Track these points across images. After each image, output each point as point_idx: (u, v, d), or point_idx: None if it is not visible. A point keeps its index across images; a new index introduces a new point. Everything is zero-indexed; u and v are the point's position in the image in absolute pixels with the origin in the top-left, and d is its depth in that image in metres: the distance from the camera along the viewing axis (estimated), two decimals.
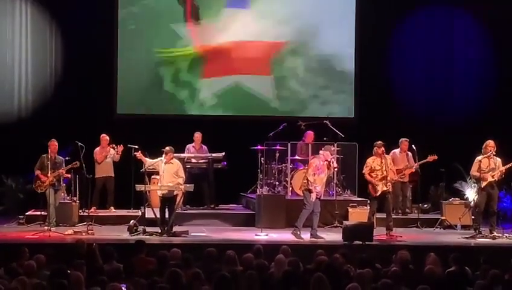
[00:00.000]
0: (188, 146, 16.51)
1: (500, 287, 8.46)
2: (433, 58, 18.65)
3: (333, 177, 16.22)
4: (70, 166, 14.61)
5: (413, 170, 16.04)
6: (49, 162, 14.33)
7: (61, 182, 15.08)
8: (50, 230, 13.80)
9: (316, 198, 13.78)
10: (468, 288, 8.44)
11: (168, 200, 14.19)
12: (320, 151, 14.21)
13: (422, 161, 15.81)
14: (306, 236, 13.76)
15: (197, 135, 16.56)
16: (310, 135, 16.55)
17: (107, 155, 16.20)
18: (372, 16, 18.25)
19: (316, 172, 13.79)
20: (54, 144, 14.60)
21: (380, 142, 14.12)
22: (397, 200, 16.04)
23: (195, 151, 16.51)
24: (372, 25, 18.24)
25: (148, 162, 14.39)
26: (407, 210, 16.29)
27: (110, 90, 17.87)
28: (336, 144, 16.15)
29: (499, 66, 18.37)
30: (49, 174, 14.34)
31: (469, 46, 18.66)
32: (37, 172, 14.67)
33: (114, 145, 15.98)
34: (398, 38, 18.52)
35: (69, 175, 15.23)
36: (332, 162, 13.98)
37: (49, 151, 14.46)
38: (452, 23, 18.69)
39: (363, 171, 14.18)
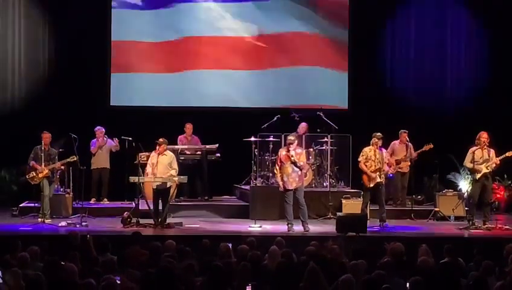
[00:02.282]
0: (179, 137, 16.51)
1: (493, 278, 8.48)
2: (426, 49, 18.66)
3: (327, 169, 16.25)
4: (68, 160, 14.50)
5: (409, 162, 16.11)
6: (42, 154, 14.27)
7: (56, 174, 15.03)
8: (44, 222, 13.82)
9: (295, 189, 13.69)
10: (462, 279, 8.45)
11: (161, 192, 14.16)
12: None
13: (419, 151, 15.94)
14: (299, 228, 13.73)
15: (188, 126, 16.60)
16: (303, 127, 16.52)
17: (101, 145, 16.21)
18: (365, 6, 18.24)
19: (279, 164, 13.77)
20: (46, 136, 14.49)
21: (379, 134, 14.11)
22: (396, 191, 16.12)
23: (187, 141, 16.51)
24: (365, 16, 18.24)
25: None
26: (398, 201, 16.34)
27: (104, 82, 17.85)
28: (329, 136, 16.21)
29: (492, 56, 18.38)
30: (43, 166, 14.28)
31: (462, 36, 18.66)
32: (32, 163, 14.53)
33: (106, 136, 16.07)
34: (391, 29, 18.54)
35: (62, 167, 15.23)
36: (289, 151, 13.74)
37: (42, 143, 14.40)
38: (445, 13, 18.67)
39: (359, 160, 14.16)
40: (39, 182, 14.38)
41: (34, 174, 14.41)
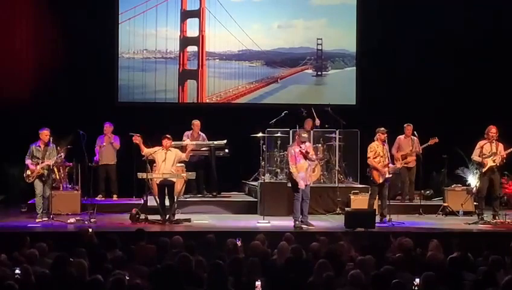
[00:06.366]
0: (186, 133, 16.38)
1: (502, 272, 8.46)
2: (434, 44, 18.58)
3: (335, 164, 16.23)
4: (54, 159, 14.15)
5: (415, 157, 16.06)
6: (40, 152, 14.14)
7: (54, 173, 14.76)
8: (49, 219, 13.79)
9: (305, 185, 13.70)
10: (471, 274, 8.44)
11: (166, 187, 14.08)
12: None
13: (424, 145, 15.89)
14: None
15: (196, 123, 16.38)
16: (308, 122, 16.47)
17: (109, 141, 16.22)
18: (374, 1, 18.23)
19: (293, 161, 13.73)
20: (44, 133, 14.12)
21: (383, 128, 14.09)
22: (404, 186, 16.10)
23: (193, 139, 16.35)
24: (373, 10, 18.21)
25: (146, 151, 14.25)
26: (406, 197, 16.30)
27: (112, 79, 17.88)
28: (337, 131, 16.19)
29: (502, 50, 18.33)
30: (39, 164, 14.12)
31: (470, 29, 18.56)
32: (27, 161, 14.23)
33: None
34: (399, 24, 18.47)
35: (71, 163, 15.23)
36: (307, 151, 13.69)
37: (40, 141, 14.21)
38: (454, 7, 18.58)
39: (368, 156, 14.13)
40: (32, 181, 14.16)
41: (29, 173, 14.18)
